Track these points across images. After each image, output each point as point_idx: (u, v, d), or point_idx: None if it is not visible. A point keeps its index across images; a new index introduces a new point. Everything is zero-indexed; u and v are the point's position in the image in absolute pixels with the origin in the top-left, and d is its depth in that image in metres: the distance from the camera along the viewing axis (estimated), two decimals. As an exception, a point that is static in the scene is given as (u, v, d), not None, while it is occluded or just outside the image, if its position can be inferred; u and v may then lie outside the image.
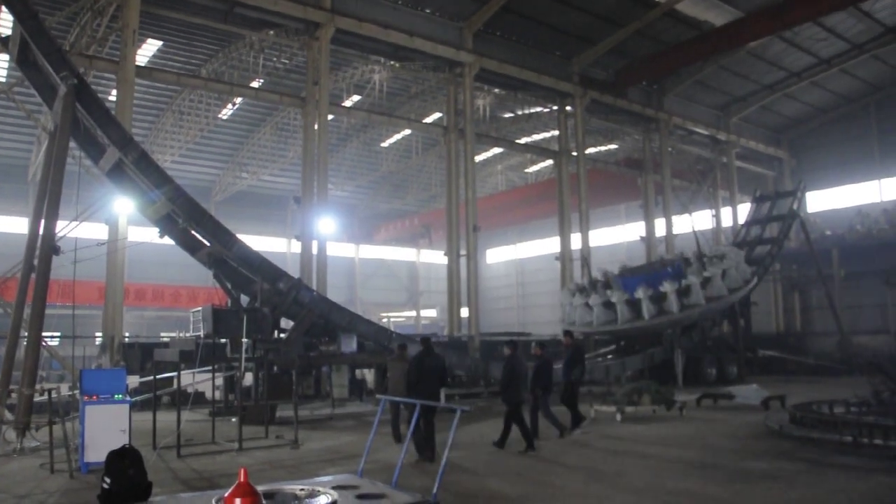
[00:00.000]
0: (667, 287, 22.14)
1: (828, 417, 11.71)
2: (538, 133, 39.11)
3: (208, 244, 15.67)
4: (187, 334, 23.18)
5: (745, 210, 33.81)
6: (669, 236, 34.61)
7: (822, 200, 38.74)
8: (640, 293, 22.29)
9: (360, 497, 5.80)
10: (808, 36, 30.65)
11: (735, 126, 37.82)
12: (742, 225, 32.19)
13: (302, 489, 4.80)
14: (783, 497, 8.06)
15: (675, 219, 35.28)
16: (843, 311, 31.06)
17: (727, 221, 37.76)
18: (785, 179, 39.97)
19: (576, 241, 30.19)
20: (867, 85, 36.53)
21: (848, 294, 33.10)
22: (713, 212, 37.97)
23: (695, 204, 37.86)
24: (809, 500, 7.97)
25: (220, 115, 33.07)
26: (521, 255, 54.92)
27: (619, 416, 14.91)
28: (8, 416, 12.06)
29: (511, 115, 35.60)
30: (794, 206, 29.45)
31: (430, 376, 10.99)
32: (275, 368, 15.47)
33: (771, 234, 29.79)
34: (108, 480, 6.63)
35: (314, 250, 22.72)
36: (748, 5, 27.59)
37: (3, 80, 25.83)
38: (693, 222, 30.60)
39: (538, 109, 33.60)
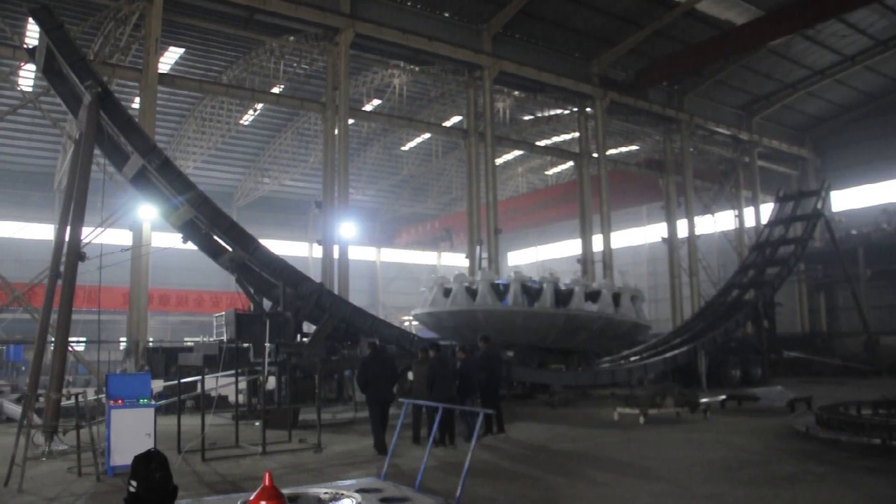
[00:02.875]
0: (545, 276, 20.06)
1: (855, 419, 11.55)
2: (558, 135, 38.99)
3: (231, 249, 15.79)
4: (211, 339, 23.41)
5: (768, 210, 33.43)
6: (692, 237, 34.35)
7: (846, 199, 38.25)
8: (511, 276, 20.28)
9: (384, 500, 5.81)
10: (830, 33, 30.32)
11: (757, 125, 37.46)
12: (765, 225, 31.86)
13: (326, 492, 4.82)
14: (811, 500, 7.95)
15: (698, 220, 35.02)
16: (870, 311, 30.60)
17: (750, 222, 37.39)
18: (809, 178, 39.50)
19: (597, 242, 30.06)
20: (892, 81, 36.02)
21: (874, 294, 32.64)
22: (736, 212, 37.64)
23: (717, 204, 37.61)
24: (837, 503, 7.86)
25: (241, 121, 33.34)
26: (542, 257, 54.75)
27: (642, 419, 14.80)
28: (36, 419, 12.23)
29: (531, 117, 35.54)
30: (819, 206, 29.10)
31: (446, 378, 11.82)
32: (298, 372, 15.55)
33: (795, 234, 29.46)
34: (134, 483, 6.65)
35: (336, 254, 22.82)
36: (769, 3, 27.33)
37: (30, 89, 26.24)
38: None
39: (558, 111, 33.51)
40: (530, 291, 19.66)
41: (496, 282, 20.06)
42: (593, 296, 20.16)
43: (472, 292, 19.89)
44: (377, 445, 11.40)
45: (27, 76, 27.05)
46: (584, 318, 19.68)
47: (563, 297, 19.78)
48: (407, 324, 46.54)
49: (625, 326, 20.68)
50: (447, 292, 20.24)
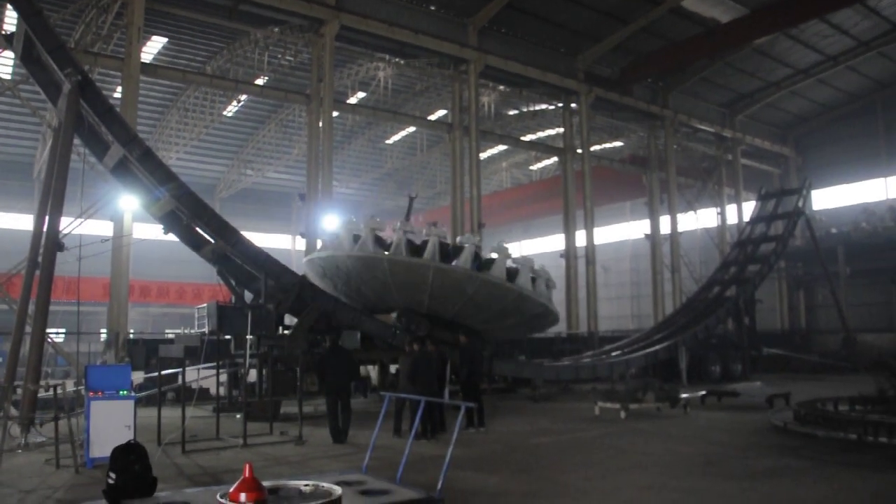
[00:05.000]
0: (431, 231, 16.96)
1: (833, 415, 11.70)
2: (543, 130, 39.06)
3: (213, 241, 15.67)
4: (192, 331, 23.24)
5: (750, 208, 33.73)
6: (674, 234, 34.56)
7: (827, 198, 38.62)
8: (426, 231, 17.14)
9: (365, 493, 5.79)
10: (814, 33, 30.55)
11: (741, 123, 37.73)
12: (747, 222, 32.11)
13: (307, 485, 4.78)
14: (788, 494, 8.04)
15: (681, 216, 35.23)
16: (849, 309, 30.95)
17: (732, 219, 37.66)
18: (790, 177, 39.84)
19: (581, 238, 30.16)
20: (874, 82, 36.40)
21: (853, 292, 32.98)
22: (718, 209, 37.89)
23: (700, 201, 37.81)
24: (814, 497, 7.94)
25: (224, 113, 33.09)
26: (525, 252, 54.81)
27: (623, 414, 14.88)
28: (13, 411, 12.09)
29: (516, 112, 35.58)
30: (800, 204, 29.35)
31: (429, 371, 12.20)
32: (279, 365, 15.49)
33: (776, 231, 29.72)
34: (113, 475, 6.64)
35: (318, 247, 22.72)
36: (754, 2, 27.49)
37: (8, 77, 25.87)
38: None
39: (543, 107, 33.57)
40: (448, 252, 17.09)
41: (413, 240, 17.19)
42: (512, 273, 17.42)
43: (382, 243, 17.35)
44: (332, 433, 11.91)
45: (6, 63, 26.68)
46: (501, 288, 16.93)
47: (483, 264, 17.31)
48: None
49: (538, 308, 17.99)
50: (356, 239, 17.22)
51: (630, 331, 31.31)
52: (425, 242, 16.73)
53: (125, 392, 10.27)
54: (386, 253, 16.83)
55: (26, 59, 14.72)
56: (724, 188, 38.04)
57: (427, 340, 13.38)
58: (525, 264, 17.68)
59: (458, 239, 18.53)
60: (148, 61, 24.82)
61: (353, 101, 31.11)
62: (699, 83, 34.45)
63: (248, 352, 14.14)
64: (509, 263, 17.49)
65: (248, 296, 16.38)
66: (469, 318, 17.32)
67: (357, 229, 17.57)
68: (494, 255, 17.33)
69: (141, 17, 19.97)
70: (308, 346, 16.21)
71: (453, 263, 16.75)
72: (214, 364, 14.26)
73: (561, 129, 33.33)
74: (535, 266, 17.96)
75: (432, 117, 34.55)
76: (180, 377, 13.57)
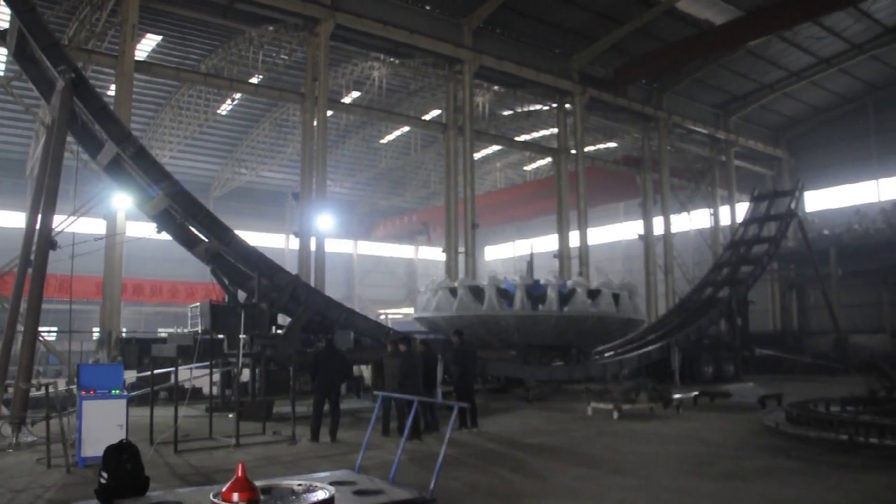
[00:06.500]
0: (549, 280, 20.71)
1: (824, 416, 11.72)
2: (537, 131, 39.12)
3: (206, 240, 15.65)
4: (185, 330, 23.19)
5: (743, 209, 33.84)
6: (668, 235, 34.65)
7: (820, 200, 38.82)
8: (516, 280, 20.71)
9: (358, 493, 5.81)
10: (807, 35, 30.68)
11: (734, 125, 37.85)
12: (740, 224, 32.22)
13: (299, 484, 4.79)
14: (779, 495, 8.07)
15: (674, 217, 35.32)
16: (841, 311, 31.11)
17: (725, 220, 37.78)
18: (783, 179, 40.00)
19: (574, 238, 30.21)
20: (866, 85, 36.59)
21: (845, 293, 33.14)
22: (711, 211, 37.98)
23: (693, 203, 37.93)
24: (805, 497, 7.98)
25: (218, 111, 33.04)
26: (519, 252, 54.92)
27: (615, 414, 14.92)
28: (4, 410, 12.05)
29: (510, 112, 35.60)
30: (792, 206, 29.46)
31: (415, 372, 12.38)
32: (272, 364, 15.47)
33: (769, 233, 29.81)
34: (105, 475, 6.63)
35: (312, 247, 22.72)
36: (748, 4, 27.60)
37: (1, 73, 25.75)
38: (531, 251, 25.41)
39: (537, 107, 33.61)
40: (534, 295, 20.12)
41: (502, 286, 20.49)
42: (594, 294, 20.76)
43: (477, 293, 20.42)
44: (312, 430, 11.99)
45: (-1, 60, 26.56)
46: (585, 318, 20.41)
47: (565, 298, 20.29)
48: (383, 317, 46.57)
49: (620, 322, 21.57)
50: (475, 292, 20.52)
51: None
52: (546, 290, 19.91)
53: (117, 391, 10.23)
54: (512, 310, 19.94)
55: (20, 55, 14.67)
56: (718, 189, 38.15)
57: (413, 342, 13.47)
58: (607, 286, 21.22)
59: (568, 283, 21.08)
60: (142, 59, 24.74)
61: (347, 100, 31.09)
62: (693, 84, 34.55)
63: (241, 351, 14.12)
64: (599, 287, 21.09)
65: (241, 295, 16.36)
66: (563, 340, 21.03)
67: (449, 284, 21.15)
68: (576, 288, 20.52)
69: (135, 15, 19.90)
70: (302, 345, 16.24)
71: (540, 308, 19.85)
72: (207, 363, 14.22)
73: (555, 130, 33.39)
74: (613, 286, 21.63)
75: (427, 117, 34.56)
76: (173, 376, 13.53)
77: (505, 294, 20.33)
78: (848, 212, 36.09)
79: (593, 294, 20.76)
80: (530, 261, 23.47)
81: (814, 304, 36.40)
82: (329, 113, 24.96)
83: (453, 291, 20.76)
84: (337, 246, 45.15)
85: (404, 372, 12.34)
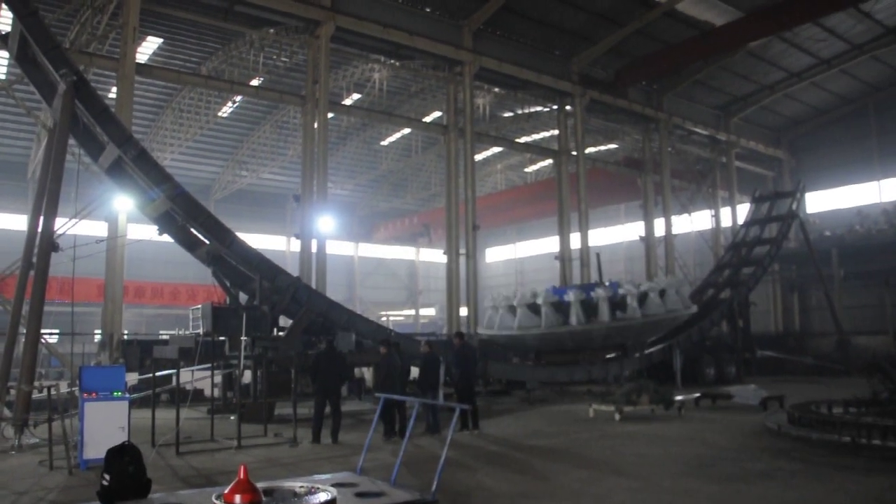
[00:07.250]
0: (599, 293, 21.03)
1: (826, 418, 11.71)
2: (538, 132, 39.09)
3: (207, 242, 15.66)
4: (186, 332, 23.19)
5: (744, 210, 33.82)
6: (669, 236, 34.63)
7: (821, 201, 38.76)
8: (570, 296, 21.18)
9: (359, 495, 5.81)
10: (808, 36, 30.65)
11: (735, 126, 37.82)
12: (741, 225, 32.21)
13: (301, 486, 4.79)
14: (781, 497, 8.06)
15: (675, 219, 35.31)
16: (843, 312, 31.08)
17: (726, 222, 37.74)
18: (784, 180, 39.95)
19: (575, 240, 30.20)
20: (867, 86, 36.56)
21: (847, 295, 33.11)
22: (712, 212, 37.94)
23: (694, 204, 37.89)
24: (807, 499, 7.97)
25: (219, 114, 33.03)
26: (520, 254, 54.93)
27: (617, 416, 14.92)
28: (6, 412, 12.06)
29: (511, 114, 35.59)
30: (794, 207, 29.46)
31: (393, 374, 12.87)
32: (273, 366, 15.48)
33: (770, 234, 29.79)
34: (107, 477, 6.63)
35: (313, 249, 22.71)
36: (748, 5, 27.58)
37: (3, 76, 25.78)
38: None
39: (538, 109, 33.59)
40: (588, 306, 21.23)
41: (559, 301, 21.51)
42: (642, 297, 21.50)
43: (535, 308, 21.59)
44: (314, 433, 12.06)
45: (0, 63, 26.58)
46: (636, 322, 21.26)
47: (617, 305, 21.16)
48: (384, 319, 46.60)
49: (669, 318, 22.33)
50: (536, 308, 21.59)
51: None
52: (596, 303, 21.01)
53: (119, 393, 10.25)
54: (569, 325, 21.06)
55: (21, 58, 14.71)
56: (719, 191, 38.11)
57: (395, 345, 13.78)
58: (653, 289, 21.86)
59: (619, 291, 21.46)
60: (143, 62, 24.75)
61: (348, 102, 31.09)
62: (694, 86, 34.53)
63: (242, 353, 14.12)
64: (647, 291, 21.79)
65: (242, 297, 16.37)
66: (616, 341, 22.31)
67: (514, 300, 22.17)
68: (626, 296, 21.22)
69: (136, 18, 19.91)
70: (303, 347, 16.25)
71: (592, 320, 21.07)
72: (209, 365, 14.23)
73: (556, 132, 33.36)
74: (662, 285, 22.54)
75: (427, 119, 34.55)
76: (175, 378, 13.54)
77: (560, 307, 21.40)
78: (849, 213, 36.05)
79: (642, 297, 21.61)
80: (598, 262, 24.98)
81: (815, 306, 36.37)
82: (330, 115, 24.95)
83: (534, 308, 21.61)
84: (338, 248, 45.16)
85: (382, 374, 12.74)
